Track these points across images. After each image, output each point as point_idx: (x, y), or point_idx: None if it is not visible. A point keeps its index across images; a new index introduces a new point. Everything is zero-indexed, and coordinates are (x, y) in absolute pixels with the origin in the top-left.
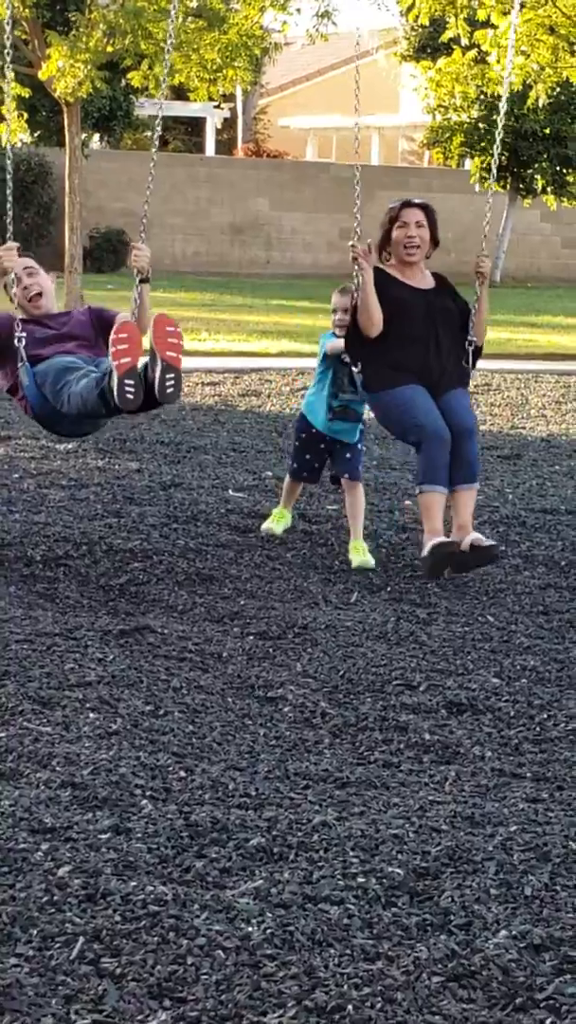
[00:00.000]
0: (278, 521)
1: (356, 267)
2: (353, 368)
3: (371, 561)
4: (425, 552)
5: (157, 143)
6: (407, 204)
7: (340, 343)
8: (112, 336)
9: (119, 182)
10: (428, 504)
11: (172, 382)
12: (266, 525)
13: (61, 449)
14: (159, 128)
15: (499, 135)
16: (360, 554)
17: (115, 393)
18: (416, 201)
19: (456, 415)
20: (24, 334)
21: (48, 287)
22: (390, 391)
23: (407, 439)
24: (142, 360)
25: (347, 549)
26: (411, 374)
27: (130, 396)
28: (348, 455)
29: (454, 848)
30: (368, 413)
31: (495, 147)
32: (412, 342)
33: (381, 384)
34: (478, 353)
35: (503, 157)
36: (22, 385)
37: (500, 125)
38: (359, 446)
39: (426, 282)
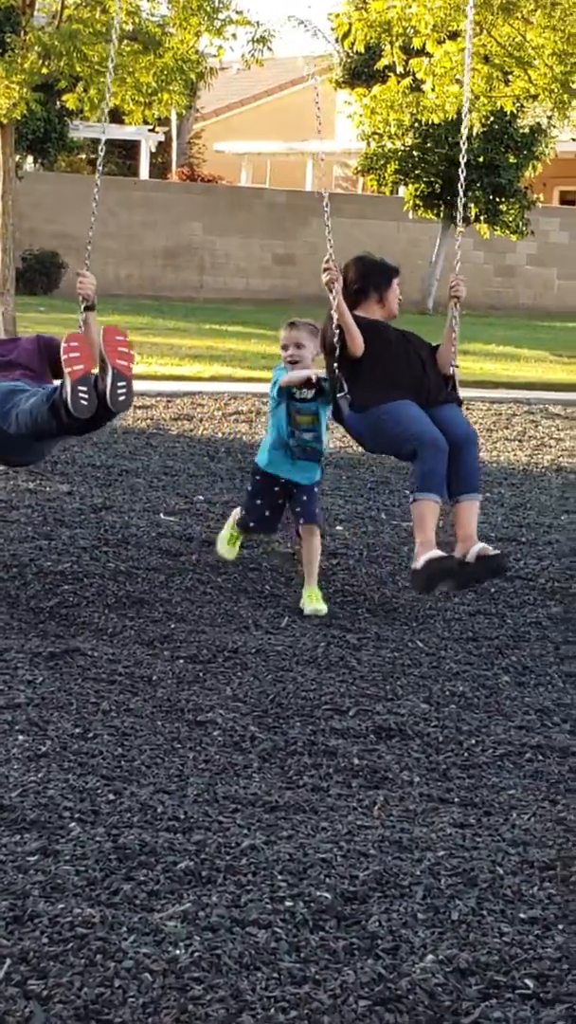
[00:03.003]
0: (232, 544)
1: (331, 290)
2: (339, 392)
3: (324, 608)
4: (419, 565)
5: (101, 168)
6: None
7: (295, 375)
8: (63, 345)
9: (53, 204)
10: (422, 513)
11: (123, 390)
12: (220, 552)
13: None
14: (103, 151)
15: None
16: (313, 601)
17: (68, 400)
18: None
19: (454, 425)
20: None
21: None
22: (383, 406)
23: (403, 451)
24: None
25: (294, 586)
26: (403, 389)
27: (84, 402)
28: (304, 497)
29: (382, 872)
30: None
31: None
32: (396, 358)
33: (374, 400)
34: (453, 380)
35: (436, 185)
36: None
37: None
38: (315, 489)
39: None
